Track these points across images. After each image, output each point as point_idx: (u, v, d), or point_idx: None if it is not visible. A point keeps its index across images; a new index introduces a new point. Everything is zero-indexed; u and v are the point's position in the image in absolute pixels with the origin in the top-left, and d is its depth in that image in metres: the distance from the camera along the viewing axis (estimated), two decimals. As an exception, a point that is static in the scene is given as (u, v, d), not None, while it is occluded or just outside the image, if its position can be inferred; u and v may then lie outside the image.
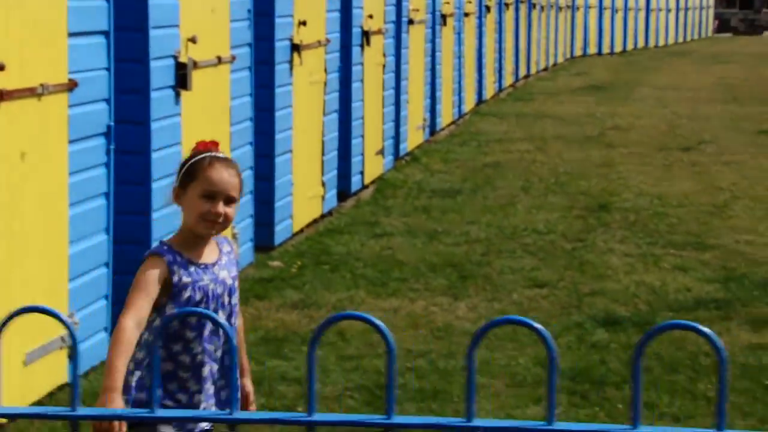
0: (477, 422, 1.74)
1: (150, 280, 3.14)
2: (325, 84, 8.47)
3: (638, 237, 8.34)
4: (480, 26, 15.81)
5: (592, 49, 30.08)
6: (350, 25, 9.11)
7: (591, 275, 7.22)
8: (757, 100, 17.50)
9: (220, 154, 3.31)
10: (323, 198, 8.50)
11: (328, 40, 8.39)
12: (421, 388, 5.11)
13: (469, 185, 10.39)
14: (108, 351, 3.10)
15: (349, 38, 8.98)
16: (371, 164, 9.84)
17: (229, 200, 3.21)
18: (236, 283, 3.30)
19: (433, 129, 12.95)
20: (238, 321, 3.31)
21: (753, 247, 7.99)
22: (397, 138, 10.99)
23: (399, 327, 6.06)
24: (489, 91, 17.12)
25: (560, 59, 26.29)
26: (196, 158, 3.24)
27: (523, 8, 20.42)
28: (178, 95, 6.03)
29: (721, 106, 16.64)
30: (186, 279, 3.17)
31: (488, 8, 16.45)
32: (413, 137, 11.77)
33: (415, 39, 11.59)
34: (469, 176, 10.90)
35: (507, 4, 18.39)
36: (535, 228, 8.71)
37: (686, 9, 39.06)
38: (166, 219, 5.47)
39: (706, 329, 1.70)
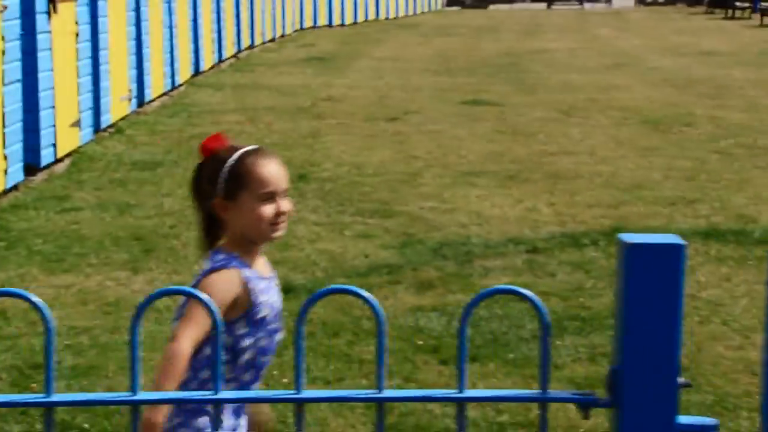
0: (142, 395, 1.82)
1: (220, 300, 2.70)
2: (3, 53, 8.05)
3: (330, 206, 8.48)
4: (194, -5, 15.64)
5: (322, 21, 30.59)
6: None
7: (277, 245, 7.23)
8: (467, 71, 18.32)
9: (253, 147, 2.94)
10: (5, 172, 8.09)
11: (4, 7, 7.98)
12: (76, 365, 4.97)
13: (172, 157, 10.21)
14: (160, 375, 2.70)
15: (31, 5, 8.57)
16: (65, 136, 9.45)
17: (284, 194, 2.89)
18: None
19: (141, 100, 12.62)
20: None
21: (434, 213, 8.33)
22: (97, 109, 10.63)
23: (68, 303, 5.90)
24: (207, 62, 16.90)
25: (288, 30, 26.47)
26: (235, 161, 2.85)
27: (246, -22, 20.38)
28: None
29: (434, 78, 17.26)
30: (263, 297, 2.86)
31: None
32: (117, 109, 11.41)
33: (115, 8, 11.23)
34: (173, 148, 10.71)
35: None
36: None
37: None
38: None
39: (364, 292, 1.74)
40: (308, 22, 28.96)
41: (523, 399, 2.04)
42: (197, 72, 16.36)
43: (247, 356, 2.84)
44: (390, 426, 4.32)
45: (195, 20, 15.71)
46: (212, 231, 2.94)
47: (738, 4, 35.37)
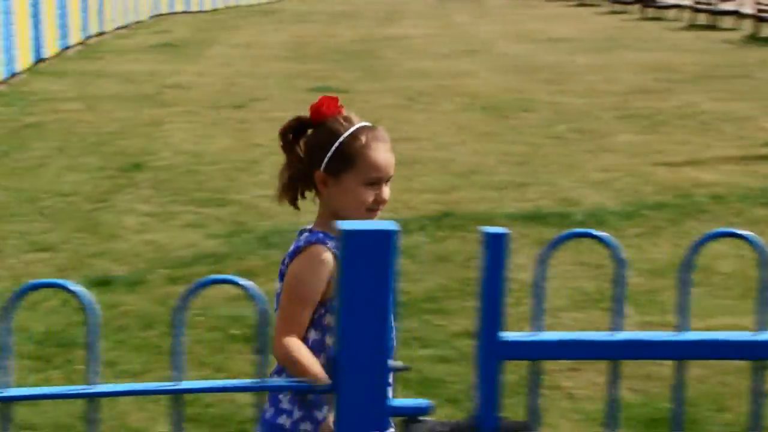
0: None
1: (317, 286, 2.70)
2: None
3: (163, 196, 8.55)
4: (34, -19, 15.58)
5: (180, 7, 30.66)
6: None
7: (102, 236, 7.30)
8: (319, 58, 18.72)
9: (369, 124, 2.85)
10: None
11: None
12: None
13: (2, 148, 10.12)
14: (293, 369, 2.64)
15: None
16: None
17: (389, 180, 2.84)
18: None
19: (-25, 89, 12.40)
20: None
21: (268, 201, 8.41)
22: None
23: None
24: (51, 49, 16.73)
25: (143, 17, 26.40)
26: (348, 138, 2.77)
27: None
28: None
29: (284, 64, 17.59)
30: None
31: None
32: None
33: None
34: (4, 138, 10.63)
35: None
36: (60, 190, 8.67)
37: None
38: None
39: (242, 281, 1.76)
40: (165, 8, 28.99)
41: (241, 389, 2.08)
42: (40, 59, 16.14)
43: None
44: (192, 417, 4.36)
45: (35, 5, 15.56)
46: (294, 190, 2.88)
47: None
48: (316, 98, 11.04)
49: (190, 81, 15.29)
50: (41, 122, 11.94)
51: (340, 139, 2.76)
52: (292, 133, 2.86)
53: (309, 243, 2.75)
